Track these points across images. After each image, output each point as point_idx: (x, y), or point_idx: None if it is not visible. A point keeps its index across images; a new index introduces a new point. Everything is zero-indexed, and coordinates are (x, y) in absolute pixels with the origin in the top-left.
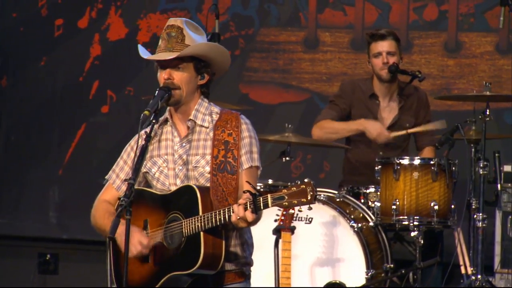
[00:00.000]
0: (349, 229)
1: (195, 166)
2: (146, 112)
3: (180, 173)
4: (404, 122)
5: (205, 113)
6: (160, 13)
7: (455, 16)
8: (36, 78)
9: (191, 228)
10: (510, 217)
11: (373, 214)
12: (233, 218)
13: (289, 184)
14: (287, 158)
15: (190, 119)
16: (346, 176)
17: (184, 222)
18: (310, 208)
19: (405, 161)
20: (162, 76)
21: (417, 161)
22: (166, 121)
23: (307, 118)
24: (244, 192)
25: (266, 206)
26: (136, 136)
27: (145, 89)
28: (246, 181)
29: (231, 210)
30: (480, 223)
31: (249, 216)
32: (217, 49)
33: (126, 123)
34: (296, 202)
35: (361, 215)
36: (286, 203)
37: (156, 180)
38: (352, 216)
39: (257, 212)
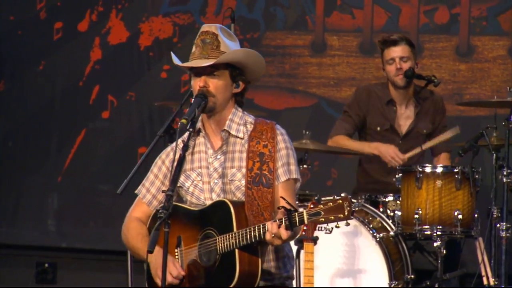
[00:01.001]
0: (371, 239)
1: (232, 180)
2: (183, 120)
3: (215, 187)
4: (421, 128)
5: (239, 123)
6: (162, 16)
7: (467, 19)
8: (35, 83)
9: (225, 245)
10: None
11: (393, 223)
12: (267, 236)
13: (321, 198)
14: (304, 166)
15: (224, 130)
16: (360, 183)
17: (218, 239)
18: (347, 224)
19: (428, 169)
20: (197, 83)
21: (440, 169)
22: (198, 132)
23: (314, 123)
24: (278, 208)
25: (301, 222)
26: (168, 148)
27: (147, 94)
28: (281, 197)
29: (266, 227)
30: (504, 232)
31: (284, 233)
32: (253, 56)
33: (127, 129)
34: (333, 218)
35: (381, 224)
36: (323, 219)
37: (190, 194)
38: (372, 226)
39: (292, 228)
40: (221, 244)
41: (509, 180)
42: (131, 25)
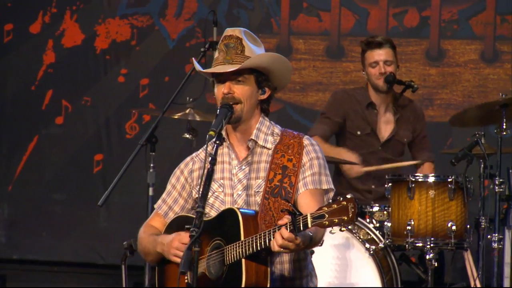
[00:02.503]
0: (363, 252)
1: (257, 191)
2: (211, 132)
3: (239, 199)
4: (401, 137)
5: (267, 133)
6: (119, 18)
7: (438, 23)
8: None
9: (232, 256)
10: None
11: (381, 234)
12: (273, 245)
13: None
14: None
15: (251, 139)
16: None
17: (226, 249)
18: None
19: (421, 179)
20: (221, 90)
21: (432, 179)
22: (221, 141)
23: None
24: (281, 211)
25: (306, 226)
26: (187, 158)
27: (104, 99)
28: (284, 199)
29: (272, 233)
30: (496, 244)
31: (285, 232)
32: (280, 60)
33: (82, 135)
34: (337, 220)
35: (369, 236)
36: (326, 222)
37: (210, 206)
38: (361, 237)
39: (296, 233)
40: (228, 254)
41: (501, 189)
42: (87, 27)
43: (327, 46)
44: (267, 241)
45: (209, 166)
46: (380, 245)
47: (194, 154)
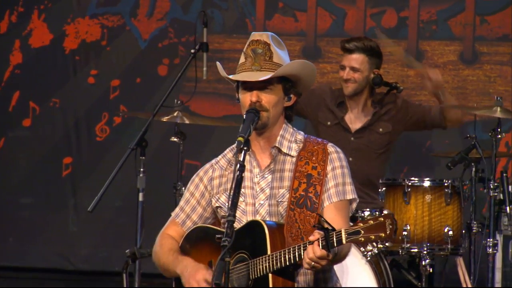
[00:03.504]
0: (360, 258)
1: (280, 201)
2: (240, 138)
3: (261, 209)
4: (376, 127)
5: (291, 140)
6: (89, 17)
7: (416, 23)
8: None
9: (258, 270)
10: (511, 241)
11: None
12: (304, 261)
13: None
14: None
15: (275, 146)
16: None
17: (251, 263)
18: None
19: (417, 183)
20: (248, 98)
21: (429, 183)
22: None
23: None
24: (313, 226)
25: (340, 242)
26: (207, 165)
27: (73, 101)
28: (317, 213)
29: (301, 248)
30: (491, 249)
31: (317, 250)
32: (309, 67)
33: (51, 138)
34: (373, 237)
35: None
36: (362, 239)
37: None
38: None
39: (329, 249)
40: (254, 268)
41: (495, 193)
42: (55, 27)
43: (303, 47)
44: (296, 256)
45: (238, 174)
46: (374, 250)
47: (213, 161)
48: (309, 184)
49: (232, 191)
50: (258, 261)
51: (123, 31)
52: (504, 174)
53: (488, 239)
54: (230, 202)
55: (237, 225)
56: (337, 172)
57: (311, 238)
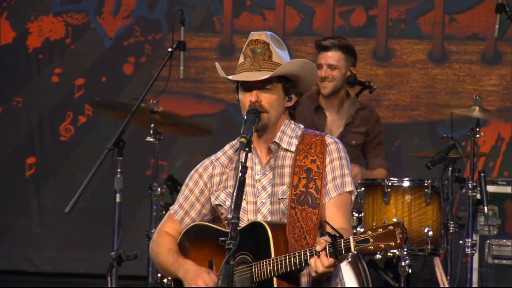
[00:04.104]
0: None
1: (282, 198)
2: (242, 139)
3: (262, 208)
4: (349, 139)
5: (291, 135)
6: (53, 15)
7: (385, 22)
8: None
9: (262, 273)
10: (488, 241)
11: None
12: (312, 266)
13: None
14: None
15: (274, 142)
16: None
17: (254, 265)
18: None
19: (396, 183)
20: (248, 98)
21: (408, 183)
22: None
23: (221, 131)
24: (321, 234)
25: (348, 250)
26: (206, 161)
27: (36, 100)
28: (325, 221)
29: (307, 253)
30: (469, 249)
31: (325, 261)
32: (308, 66)
33: (13, 137)
34: (383, 246)
35: None
36: (372, 247)
37: None
38: None
39: (337, 257)
40: (257, 271)
41: (474, 193)
42: (18, 25)
43: None
44: (302, 262)
45: (240, 175)
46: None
47: (213, 158)
48: (309, 179)
49: (235, 193)
50: (262, 264)
51: (88, 29)
52: (482, 174)
53: (467, 239)
54: (233, 204)
55: (239, 225)
56: (335, 164)
57: (318, 248)
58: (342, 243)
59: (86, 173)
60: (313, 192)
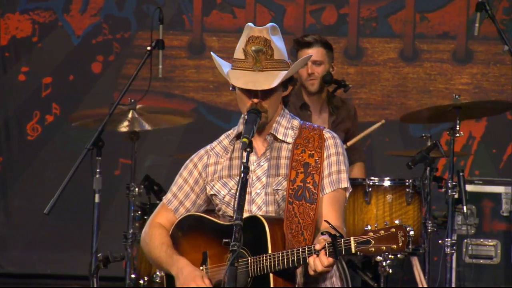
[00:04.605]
0: None
1: (276, 189)
2: (245, 139)
3: (257, 198)
4: None
5: (287, 126)
6: (20, 13)
7: (356, 20)
8: None
9: (258, 268)
10: (465, 240)
11: None
12: (310, 265)
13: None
14: None
15: (270, 133)
16: None
17: (250, 260)
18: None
19: (377, 182)
20: (248, 98)
21: (389, 182)
22: (238, 136)
23: (192, 131)
24: (322, 233)
25: (348, 251)
26: (202, 151)
27: (2, 99)
28: (325, 220)
29: (306, 251)
30: (449, 249)
31: (324, 260)
32: (304, 61)
33: None
34: (384, 248)
35: None
36: (373, 249)
37: (226, 204)
38: None
39: (337, 257)
40: (254, 266)
41: (453, 193)
42: None
43: None
44: (300, 260)
45: (242, 176)
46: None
47: (208, 147)
48: (306, 174)
49: (237, 194)
50: (258, 259)
51: (55, 27)
52: (461, 174)
53: (446, 239)
54: (236, 205)
55: (231, 214)
56: (332, 159)
57: (317, 246)
58: (343, 243)
59: (53, 172)
60: (311, 187)
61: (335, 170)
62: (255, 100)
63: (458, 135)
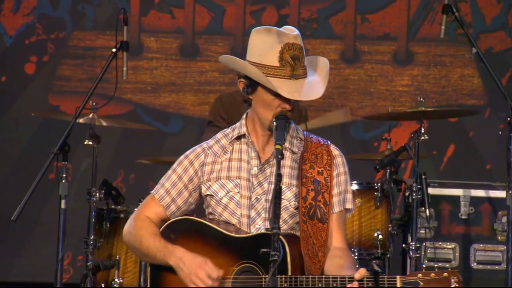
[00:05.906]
0: None
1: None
2: (278, 146)
3: (257, 204)
4: None
5: (292, 135)
6: None
7: (297, 21)
8: None
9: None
10: (424, 243)
11: None
12: None
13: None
14: None
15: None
16: None
17: (265, 278)
18: None
19: None
20: (279, 103)
21: (357, 186)
22: (240, 137)
23: (129, 133)
24: (367, 269)
25: None
26: (198, 149)
27: None
28: (371, 259)
29: (346, 279)
30: (413, 253)
31: None
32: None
33: None
34: None
35: None
36: None
37: (223, 207)
38: None
39: None
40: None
41: (419, 196)
42: None
43: (180, 45)
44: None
45: (276, 184)
46: None
47: (205, 145)
48: (317, 192)
49: (272, 202)
50: (295, 279)
51: None
52: (424, 177)
53: (411, 242)
54: (272, 213)
55: (230, 220)
56: (341, 179)
57: (357, 276)
58: (386, 280)
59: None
60: (322, 206)
61: (343, 190)
62: (288, 107)
63: (422, 137)
